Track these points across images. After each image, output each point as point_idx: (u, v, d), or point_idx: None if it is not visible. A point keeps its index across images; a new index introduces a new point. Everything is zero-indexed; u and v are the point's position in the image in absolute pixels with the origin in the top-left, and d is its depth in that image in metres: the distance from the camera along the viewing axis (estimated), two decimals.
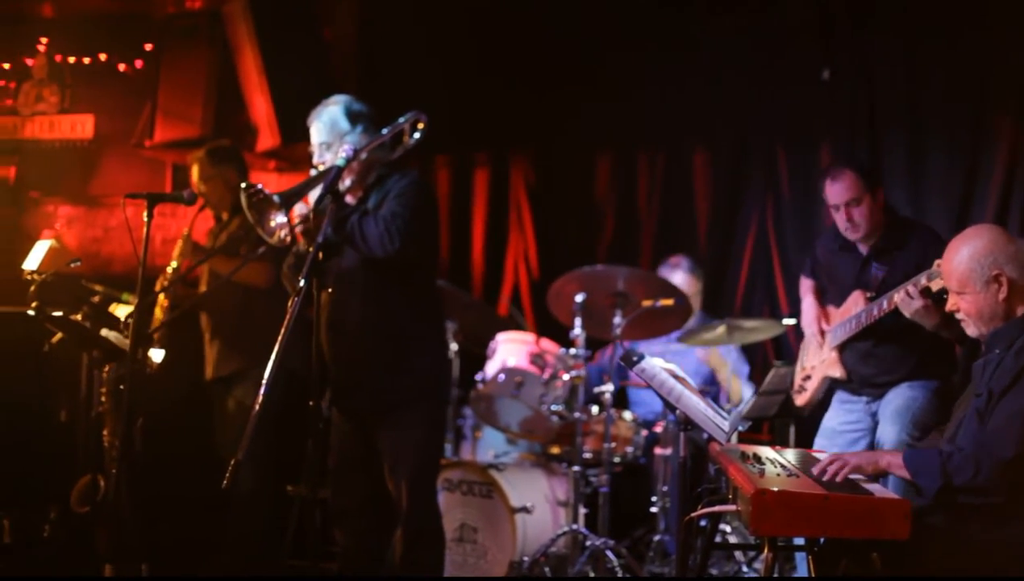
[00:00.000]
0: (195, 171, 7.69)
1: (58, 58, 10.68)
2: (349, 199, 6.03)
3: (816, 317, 6.52)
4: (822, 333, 6.42)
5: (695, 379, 7.74)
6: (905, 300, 5.67)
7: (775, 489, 4.13)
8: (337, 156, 5.85)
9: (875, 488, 4.48)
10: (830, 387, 6.44)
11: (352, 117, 6.11)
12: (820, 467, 4.55)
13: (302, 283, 5.11)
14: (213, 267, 7.48)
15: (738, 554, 7.48)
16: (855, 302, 6.19)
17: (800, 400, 6.53)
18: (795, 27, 8.63)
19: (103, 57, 10.47)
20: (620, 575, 7.32)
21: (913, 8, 8.28)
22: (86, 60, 10.55)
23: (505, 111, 9.44)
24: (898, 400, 6.09)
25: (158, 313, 7.37)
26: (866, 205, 6.14)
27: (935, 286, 5.45)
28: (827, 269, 6.56)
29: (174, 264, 7.41)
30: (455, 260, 9.54)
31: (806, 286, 6.70)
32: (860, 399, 6.28)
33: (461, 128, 9.33)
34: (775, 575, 5.43)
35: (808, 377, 6.48)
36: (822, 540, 4.62)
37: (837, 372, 6.28)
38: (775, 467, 4.64)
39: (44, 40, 10.69)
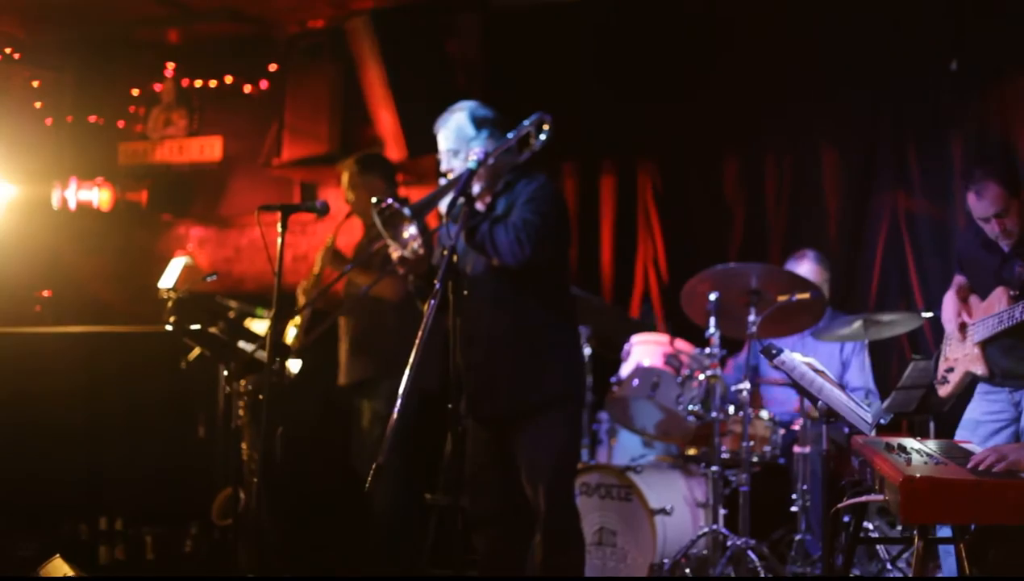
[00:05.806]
0: (344, 179, 7.80)
1: (185, 83, 10.88)
2: (479, 206, 6.04)
3: (956, 312, 6.39)
4: (963, 327, 6.30)
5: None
6: None
7: (924, 476, 4.05)
8: (466, 161, 5.87)
9: None
10: (972, 380, 6.33)
11: (478, 122, 6.11)
12: (976, 460, 4.43)
13: (437, 286, 5.11)
14: (352, 278, 7.56)
15: (882, 552, 7.36)
16: (998, 299, 6.05)
17: (943, 391, 6.41)
18: (922, 18, 8.51)
19: (229, 80, 10.64)
20: (762, 575, 7.26)
21: None
22: (212, 83, 10.73)
23: (630, 117, 9.41)
24: None
25: (295, 323, 7.45)
26: (1015, 212, 5.99)
27: None
28: (968, 263, 6.43)
29: (316, 271, 7.49)
30: (584, 266, 9.49)
31: (954, 281, 6.57)
32: (1003, 390, 6.16)
33: (587, 136, 9.35)
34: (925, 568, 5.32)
35: (951, 369, 6.36)
36: (972, 528, 4.53)
37: (979, 369, 6.15)
38: (921, 456, 4.57)
39: (171, 65, 10.90)
